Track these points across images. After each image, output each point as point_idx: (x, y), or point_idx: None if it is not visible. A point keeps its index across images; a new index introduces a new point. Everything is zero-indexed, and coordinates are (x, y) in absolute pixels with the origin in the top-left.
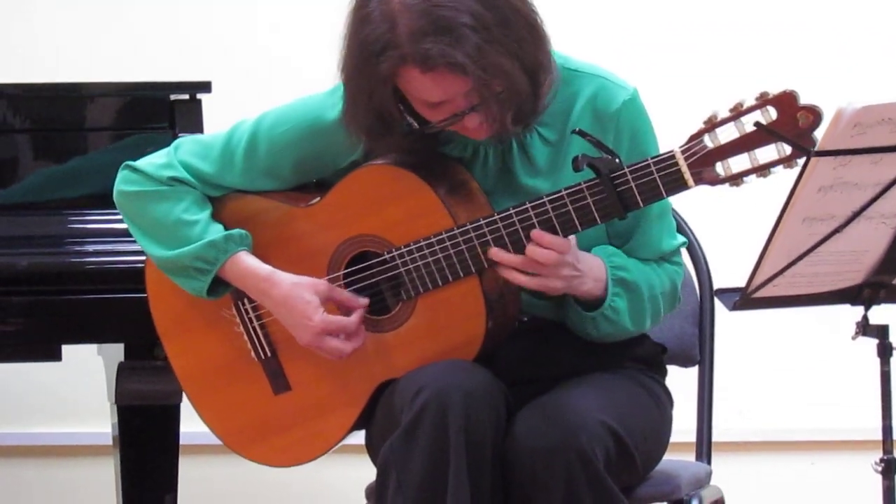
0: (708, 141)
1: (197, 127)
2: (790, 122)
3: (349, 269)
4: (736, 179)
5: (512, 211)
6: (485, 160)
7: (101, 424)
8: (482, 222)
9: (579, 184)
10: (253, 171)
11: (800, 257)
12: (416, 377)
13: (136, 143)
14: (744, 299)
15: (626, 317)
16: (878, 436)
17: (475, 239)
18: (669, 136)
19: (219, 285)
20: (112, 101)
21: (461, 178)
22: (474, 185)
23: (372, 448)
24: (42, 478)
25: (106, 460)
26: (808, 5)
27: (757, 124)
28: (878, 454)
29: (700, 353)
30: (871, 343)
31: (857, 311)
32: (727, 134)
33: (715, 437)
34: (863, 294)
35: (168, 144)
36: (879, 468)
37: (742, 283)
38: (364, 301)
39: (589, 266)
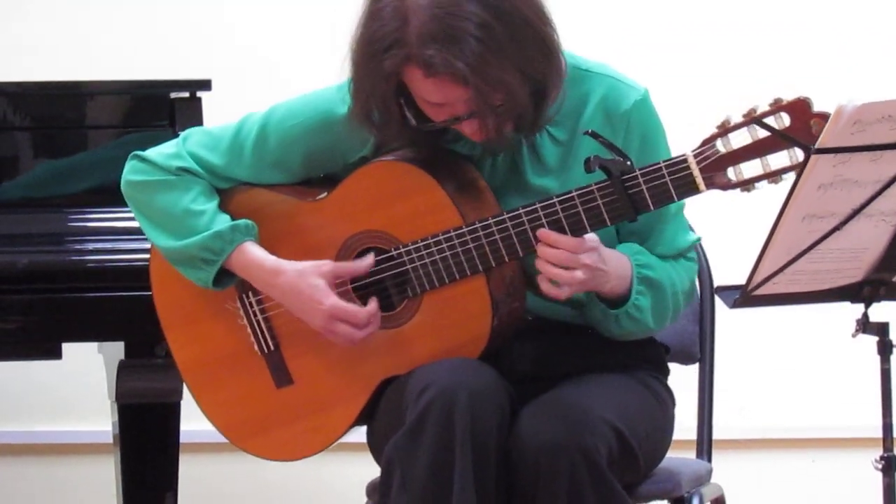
0: (720, 146)
1: (197, 125)
2: (803, 129)
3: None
4: (747, 185)
5: (521, 210)
6: (494, 159)
7: (101, 423)
8: (491, 221)
9: (590, 185)
10: (262, 164)
11: (800, 255)
12: (422, 375)
13: (137, 141)
14: (744, 297)
15: (649, 315)
16: (879, 433)
17: (483, 238)
18: (672, 136)
19: (224, 276)
20: (112, 99)
21: (470, 176)
22: (483, 184)
23: (374, 445)
24: (42, 476)
25: (106, 458)
26: (810, 5)
27: (770, 129)
28: (879, 452)
29: (700, 351)
30: (872, 340)
31: (857, 309)
32: (740, 139)
33: (715, 435)
34: (863, 291)
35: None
36: (880, 466)
37: (742, 281)
38: (369, 262)
39: (614, 265)
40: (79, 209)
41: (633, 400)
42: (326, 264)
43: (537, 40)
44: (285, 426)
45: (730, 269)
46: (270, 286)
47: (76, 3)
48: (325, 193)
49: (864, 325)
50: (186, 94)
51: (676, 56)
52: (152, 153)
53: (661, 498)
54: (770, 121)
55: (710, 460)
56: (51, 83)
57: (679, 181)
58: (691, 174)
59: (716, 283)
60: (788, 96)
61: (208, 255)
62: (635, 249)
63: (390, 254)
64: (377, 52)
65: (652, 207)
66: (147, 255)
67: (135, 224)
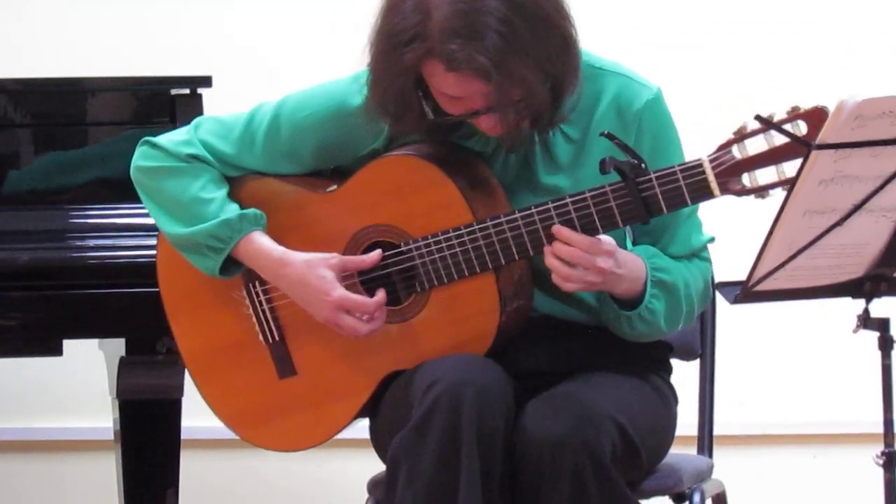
0: (736, 151)
1: None
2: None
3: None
4: (762, 191)
5: (533, 210)
6: (506, 156)
7: (102, 419)
8: (503, 219)
9: (604, 186)
10: (273, 154)
11: (801, 250)
12: (429, 371)
13: (138, 138)
14: (745, 293)
15: (662, 318)
16: (880, 429)
17: (494, 235)
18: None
19: (231, 265)
20: (113, 96)
21: (483, 173)
22: (495, 182)
23: (378, 440)
24: (43, 473)
25: (107, 455)
26: (815, 4)
27: (789, 135)
28: (880, 447)
29: (701, 347)
30: (873, 336)
31: (858, 305)
32: (756, 146)
33: (716, 431)
34: (864, 287)
35: None
36: (881, 461)
37: (743, 277)
38: (376, 256)
39: (629, 267)
40: (79, 206)
41: (638, 398)
42: (334, 257)
43: (557, 36)
44: (287, 417)
45: (730, 264)
46: (277, 276)
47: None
48: (336, 186)
49: (865, 321)
50: (187, 91)
51: (680, 54)
52: (163, 139)
53: (663, 494)
54: (786, 128)
55: (711, 456)
56: (52, 80)
57: (694, 185)
58: (706, 179)
59: (717, 279)
60: (806, 104)
61: (215, 243)
62: (651, 252)
63: (400, 248)
64: (398, 45)
65: (665, 211)
66: (148, 252)
67: (136, 221)
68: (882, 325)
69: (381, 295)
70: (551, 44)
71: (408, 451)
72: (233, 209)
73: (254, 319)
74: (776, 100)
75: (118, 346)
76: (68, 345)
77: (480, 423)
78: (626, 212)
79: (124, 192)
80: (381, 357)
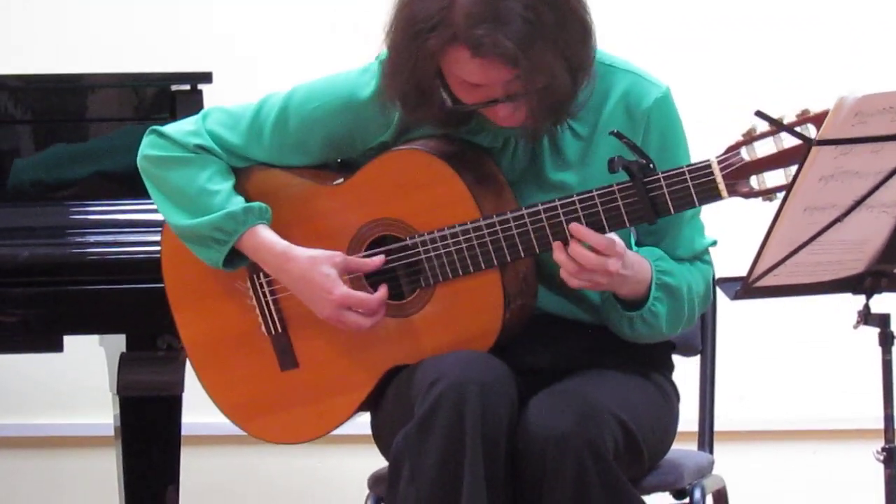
0: (745, 153)
1: None
2: None
3: (369, 252)
4: (770, 194)
5: (540, 207)
6: (514, 151)
7: (102, 415)
8: (509, 216)
9: (611, 185)
10: (281, 145)
11: (801, 246)
12: (432, 367)
13: (138, 134)
14: (745, 289)
15: (664, 321)
16: (880, 425)
17: (500, 232)
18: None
19: (235, 257)
20: (113, 92)
21: (490, 170)
22: (502, 178)
23: (380, 435)
24: (44, 469)
25: (108, 451)
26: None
27: (800, 136)
28: (880, 443)
29: (702, 343)
30: (873, 332)
31: (858, 301)
32: (765, 148)
33: (717, 427)
34: (864, 283)
35: None
36: (881, 457)
37: (743, 273)
38: (380, 259)
39: (636, 269)
40: (80, 202)
41: (640, 395)
42: (339, 255)
43: (579, 26)
44: (288, 409)
45: (731, 260)
46: (280, 271)
47: None
48: (343, 179)
49: (866, 317)
50: (187, 87)
51: (684, 53)
52: (171, 129)
53: (664, 490)
54: (798, 131)
55: (711, 452)
56: (52, 76)
57: (702, 187)
58: (714, 180)
59: (717, 275)
60: (815, 107)
61: (220, 235)
62: (657, 255)
63: (405, 243)
64: (421, 32)
65: (672, 211)
66: (149, 248)
67: (136, 217)
68: (882, 321)
69: (382, 291)
70: (574, 33)
71: (411, 447)
72: (238, 202)
73: (257, 311)
74: (782, 99)
75: (119, 342)
76: (69, 341)
77: (484, 420)
78: (633, 212)
79: (125, 188)
80: (384, 352)
